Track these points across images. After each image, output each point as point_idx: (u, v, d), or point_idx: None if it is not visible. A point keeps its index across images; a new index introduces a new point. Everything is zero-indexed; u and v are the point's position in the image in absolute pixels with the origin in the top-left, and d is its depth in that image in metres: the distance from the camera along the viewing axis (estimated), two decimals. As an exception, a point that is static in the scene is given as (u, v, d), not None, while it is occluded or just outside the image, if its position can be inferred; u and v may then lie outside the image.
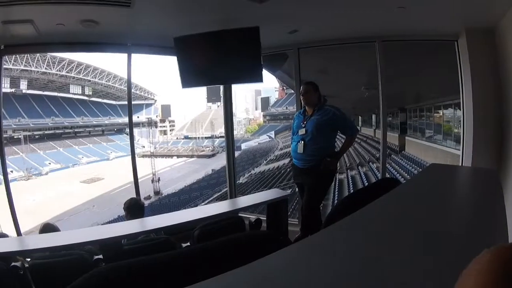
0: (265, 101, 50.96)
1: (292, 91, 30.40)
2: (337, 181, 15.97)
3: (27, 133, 35.70)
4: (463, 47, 3.62)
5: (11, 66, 34.60)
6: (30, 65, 36.58)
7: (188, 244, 2.57)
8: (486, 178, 1.72)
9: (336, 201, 12.38)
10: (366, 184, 15.17)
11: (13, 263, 2.02)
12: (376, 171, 15.77)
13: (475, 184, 1.70)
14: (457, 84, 3.84)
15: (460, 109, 3.90)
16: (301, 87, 3.23)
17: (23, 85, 37.87)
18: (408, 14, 3.14)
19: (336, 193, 14.34)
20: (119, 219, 18.56)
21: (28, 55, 33.94)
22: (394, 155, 16.08)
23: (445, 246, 0.84)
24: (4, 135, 3.76)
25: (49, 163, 35.04)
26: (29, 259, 2.29)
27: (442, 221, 1.05)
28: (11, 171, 27.78)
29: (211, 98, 55.66)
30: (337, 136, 3.33)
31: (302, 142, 3.12)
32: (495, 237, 0.91)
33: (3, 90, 3.90)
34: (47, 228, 2.88)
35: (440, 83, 11.47)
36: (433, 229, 0.96)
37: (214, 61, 3.62)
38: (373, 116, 18.58)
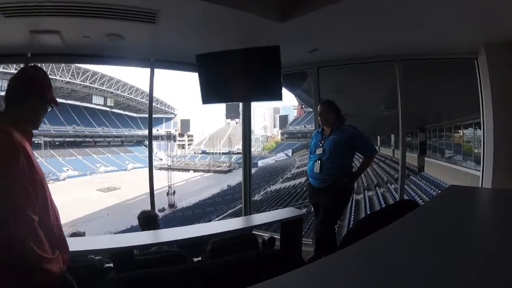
0: (283, 119, 51.24)
1: (311, 110, 30.41)
2: (353, 202, 15.64)
3: (48, 139, 36.99)
4: (483, 64, 3.55)
5: (36, 74, 36.24)
6: (55, 74, 38.30)
7: (200, 258, 2.56)
8: (508, 200, 1.64)
9: (352, 222, 12.10)
10: (383, 205, 14.80)
11: None
12: (394, 192, 15.34)
13: (496, 206, 1.62)
14: (477, 103, 3.74)
15: (480, 129, 3.79)
16: (318, 107, 3.22)
17: (47, 93, 39.48)
18: (426, 33, 3.12)
19: (353, 214, 14.03)
20: (132, 229, 18.73)
21: (53, 64, 35.56)
22: (413, 176, 15.65)
23: (466, 274, 0.80)
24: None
25: (67, 170, 36.06)
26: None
27: (464, 246, 1.00)
28: (30, 176, 28.60)
29: (230, 114, 56.49)
30: (355, 156, 3.28)
31: (319, 161, 3.08)
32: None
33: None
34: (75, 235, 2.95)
35: (460, 102, 11.22)
36: (454, 255, 0.92)
37: (234, 78, 3.67)
38: (392, 136, 18.27)
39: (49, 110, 1.52)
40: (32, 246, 1.20)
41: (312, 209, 3.44)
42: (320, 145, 3.13)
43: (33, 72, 1.52)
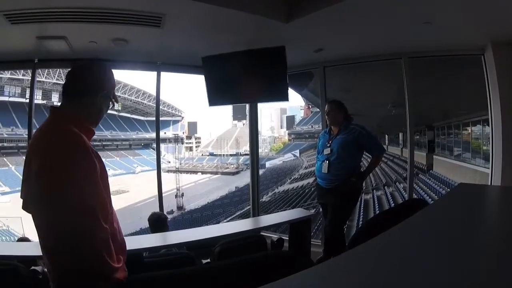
0: (290, 120, 51.12)
1: (318, 110, 30.30)
2: (362, 202, 15.51)
3: (55, 143, 37.37)
4: (490, 61, 3.50)
5: (43, 79, 36.83)
6: (62, 79, 38.72)
7: (208, 260, 2.56)
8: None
9: (361, 222, 12.01)
10: (393, 205, 14.65)
11: (33, 267, 2.08)
12: (403, 191, 15.18)
13: (506, 204, 1.59)
14: (485, 99, 3.70)
15: (488, 126, 3.74)
16: (326, 106, 3.21)
17: (55, 98, 40.07)
18: (434, 30, 3.08)
19: (361, 214, 13.91)
20: (141, 231, 18.86)
21: (61, 69, 36.08)
22: (422, 174, 15.46)
23: (476, 273, 0.78)
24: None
25: (75, 173, 36.35)
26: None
27: (474, 245, 0.99)
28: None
29: (237, 116, 56.57)
30: (363, 156, 3.26)
31: (327, 161, 3.06)
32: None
33: (35, 101, 4.10)
34: None
35: (468, 99, 11.08)
36: (464, 254, 0.90)
37: (240, 80, 3.68)
38: (400, 135, 18.09)
39: (110, 107, 1.40)
40: (105, 256, 1.14)
41: (321, 209, 3.43)
42: (328, 145, 3.11)
43: (102, 67, 1.40)
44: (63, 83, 1.32)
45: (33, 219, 1.16)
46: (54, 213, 1.10)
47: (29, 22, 2.70)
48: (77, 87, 1.29)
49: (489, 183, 3.66)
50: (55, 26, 2.86)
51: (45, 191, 1.11)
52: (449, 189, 10.55)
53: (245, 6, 2.69)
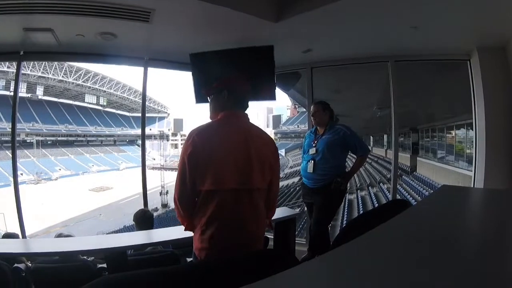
0: (276, 119, 51.06)
1: (304, 110, 30.42)
2: (346, 202, 15.71)
3: (40, 138, 36.53)
4: (475, 66, 3.60)
5: (28, 72, 35.85)
6: (48, 72, 37.81)
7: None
8: (500, 199, 1.66)
9: (345, 222, 12.16)
10: (376, 205, 14.90)
11: (15, 265, 2.03)
12: (387, 192, 15.45)
13: (488, 206, 1.64)
14: (469, 103, 3.80)
15: (472, 130, 3.84)
16: (312, 107, 3.24)
17: (39, 91, 39.04)
18: (421, 34, 3.15)
19: (346, 213, 14.09)
20: (125, 229, 18.60)
21: (46, 62, 35.10)
22: (406, 176, 15.79)
23: (460, 271, 0.81)
24: (17, 138, 3.83)
25: (60, 169, 35.61)
26: (30, 263, 2.29)
27: (456, 246, 1.01)
28: (21, 174, 28.24)
29: (223, 114, 56.09)
30: (348, 156, 3.29)
31: (313, 161, 3.09)
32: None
33: (20, 94, 3.99)
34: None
35: (452, 103, 11.37)
36: (446, 254, 0.93)
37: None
38: (385, 136, 18.40)
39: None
40: None
41: (305, 208, 3.46)
42: (314, 145, 3.14)
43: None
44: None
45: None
46: None
47: (14, 13, 2.64)
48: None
49: (472, 185, 3.76)
50: (41, 17, 2.79)
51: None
52: (432, 191, 10.79)
53: (235, 4, 2.68)
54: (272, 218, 3.04)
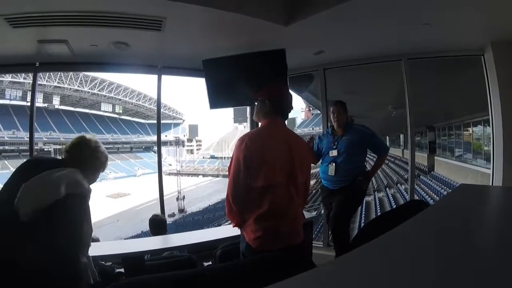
0: (291, 122, 50.86)
1: (318, 112, 30.21)
2: (364, 203, 15.48)
3: (58, 147, 37.46)
4: (490, 61, 3.51)
5: (45, 83, 36.99)
6: (63, 82, 38.99)
7: (210, 263, 2.56)
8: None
9: (362, 224, 11.98)
10: (394, 206, 14.62)
11: None
12: (405, 192, 15.15)
13: (508, 204, 1.59)
14: (485, 100, 3.70)
15: (489, 126, 3.74)
16: (332, 107, 3.16)
17: (56, 101, 40.25)
18: (433, 31, 3.09)
19: (363, 215, 13.87)
20: (142, 234, 18.83)
21: (62, 73, 36.11)
22: (423, 176, 15.43)
23: (481, 274, 0.79)
24: (35, 147, 3.93)
25: (77, 177, 36.34)
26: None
27: (476, 246, 0.99)
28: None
29: (238, 118, 56.38)
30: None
31: (334, 164, 3.03)
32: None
33: (36, 104, 4.11)
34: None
35: (469, 99, 11.07)
36: (466, 255, 0.90)
37: (241, 82, 3.67)
38: (401, 136, 18.07)
39: None
40: None
41: (323, 211, 3.42)
42: (334, 146, 3.07)
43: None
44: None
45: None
46: None
47: (30, 26, 2.71)
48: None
49: (491, 184, 3.66)
50: (56, 30, 2.86)
51: None
52: (450, 190, 10.53)
53: (245, 9, 2.70)
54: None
